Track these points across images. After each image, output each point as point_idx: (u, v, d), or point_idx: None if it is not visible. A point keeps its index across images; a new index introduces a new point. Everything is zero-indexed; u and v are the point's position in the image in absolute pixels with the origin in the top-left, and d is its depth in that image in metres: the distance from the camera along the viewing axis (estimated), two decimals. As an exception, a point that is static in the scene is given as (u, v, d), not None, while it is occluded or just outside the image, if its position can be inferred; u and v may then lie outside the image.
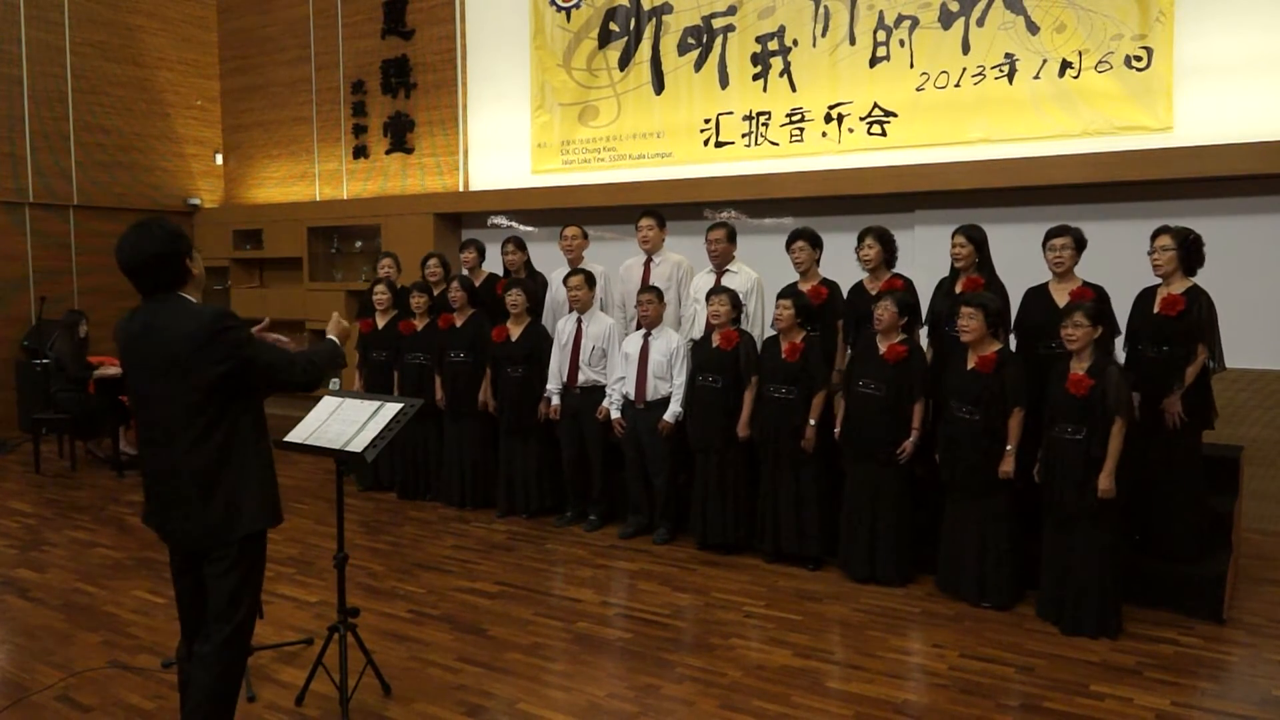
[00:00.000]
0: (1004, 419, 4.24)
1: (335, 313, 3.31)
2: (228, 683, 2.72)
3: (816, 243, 5.21)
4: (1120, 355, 4.47)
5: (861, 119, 6.72)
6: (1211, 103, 5.59)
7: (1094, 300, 4.22)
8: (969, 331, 4.29)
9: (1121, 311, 4.51)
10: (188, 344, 2.56)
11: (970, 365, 4.33)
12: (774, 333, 5.06)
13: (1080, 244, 4.52)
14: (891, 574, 4.62)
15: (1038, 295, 4.62)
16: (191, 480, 2.61)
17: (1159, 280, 4.40)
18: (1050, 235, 4.55)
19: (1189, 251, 4.28)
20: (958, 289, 4.74)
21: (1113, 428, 3.91)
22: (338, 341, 3.09)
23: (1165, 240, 4.30)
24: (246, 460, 2.66)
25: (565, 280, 5.74)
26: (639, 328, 5.49)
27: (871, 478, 4.63)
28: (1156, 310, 4.35)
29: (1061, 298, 4.46)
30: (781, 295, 4.96)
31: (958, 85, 6.35)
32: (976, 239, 4.74)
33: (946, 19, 6.36)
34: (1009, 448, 4.23)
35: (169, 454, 2.63)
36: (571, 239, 6.05)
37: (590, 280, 5.68)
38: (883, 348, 4.61)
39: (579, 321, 5.67)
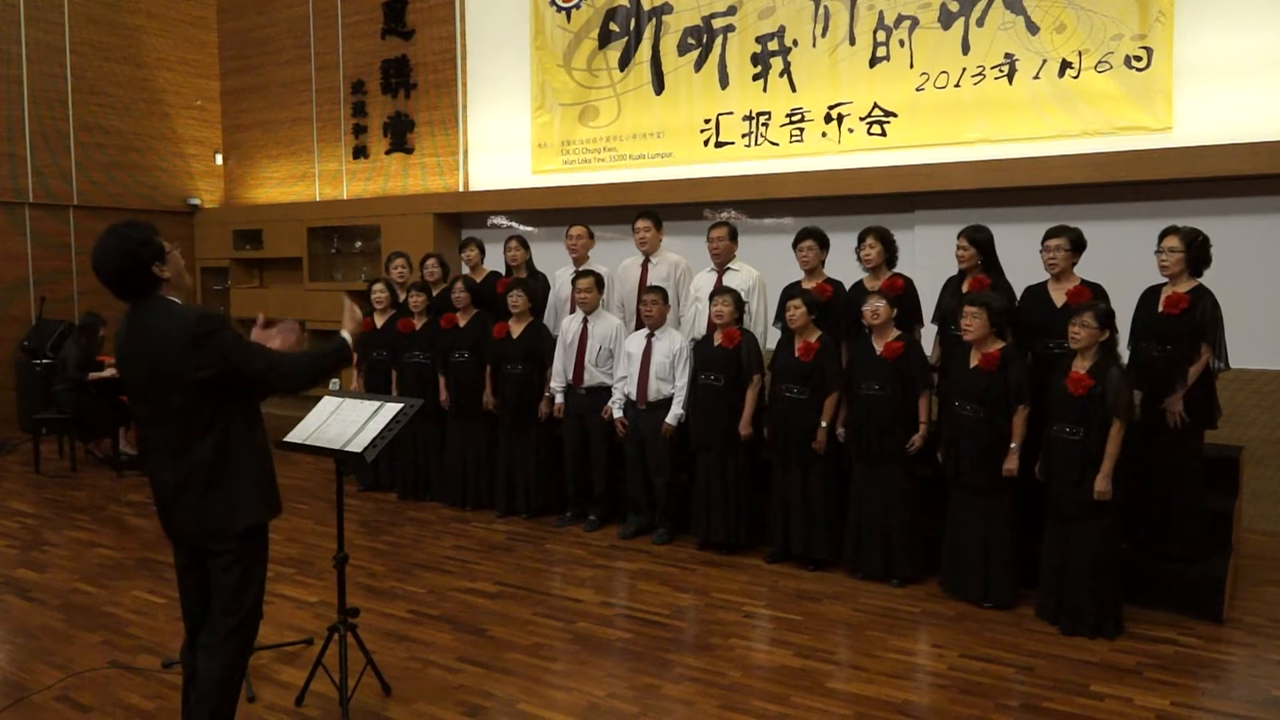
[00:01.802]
0: (1007, 417, 4.24)
1: (349, 301, 3.11)
2: (232, 674, 2.73)
3: (825, 243, 5.19)
4: (1124, 355, 4.46)
5: (861, 119, 6.72)
6: (1211, 103, 5.58)
7: (1100, 302, 4.21)
8: (971, 331, 4.29)
9: (1121, 311, 4.48)
10: (171, 350, 2.56)
11: (973, 363, 4.33)
12: (778, 331, 5.06)
13: (1077, 245, 4.50)
14: (904, 573, 4.62)
15: (1036, 294, 4.62)
16: (190, 480, 2.64)
17: (1164, 280, 4.39)
18: (1046, 236, 4.55)
19: (1196, 253, 4.28)
20: (964, 289, 4.74)
21: (1110, 429, 3.91)
22: (349, 339, 2.96)
23: (1173, 241, 4.29)
24: (241, 457, 2.68)
25: (574, 281, 5.73)
26: (640, 327, 5.49)
27: (880, 477, 4.63)
28: (1160, 309, 4.34)
29: (1059, 297, 4.46)
30: (790, 295, 4.95)
31: (958, 85, 6.35)
32: (979, 240, 4.73)
33: (946, 19, 6.36)
34: (1013, 445, 4.23)
35: (166, 456, 2.66)
36: (577, 238, 6.05)
37: (600, 283, 5.68)
38: (879, 346, 4.62)
39: (584, 321, 5.66)
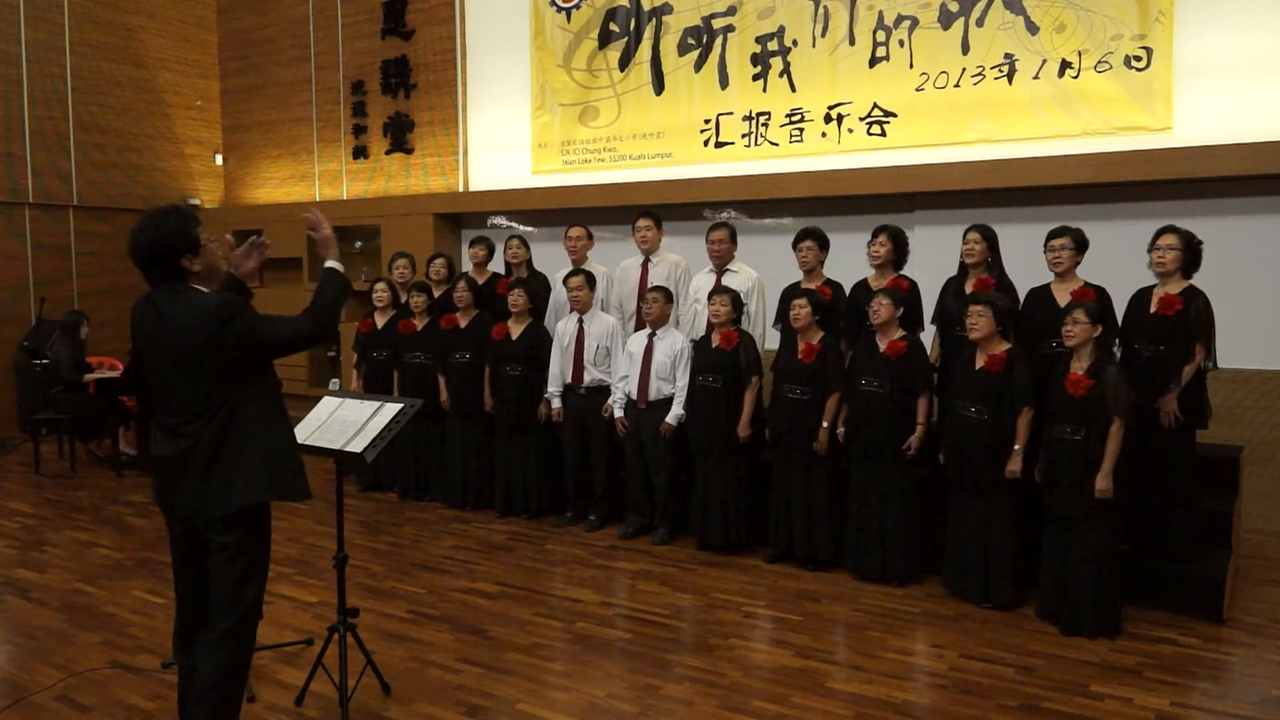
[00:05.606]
0: (1011, 418, 4.24)
1: (313, 215, 2.98)
2: (233, 672, 2.73)
3: (824, 243, 5.20)
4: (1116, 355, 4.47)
5: (861, 119, 6.71)
6: (1211, 103, 5.58)
7: (1096, 300, 4.23)
8: (977, 330, 4.29)
9: (1119, 311, 4.51)
10: (194, 337, 2.62)
11: (979, 364, 4.33)
12: (777, 332, 5.06)
13: (1080, 245, 4.53)
14: (899, 573, 4.62)
15: (1039, 295, 4.63)
16: (195, 457, 2.66)
17: (1155, 281, 4.41)
18: (1050, 236, 4.58)
19: (1192, 254, 4.29)
20: (968, 288, 4.74)
21: (1110, 428, 3.91)
22: (337, 266, 2.93)
23: (1172, 239, 4.30)
24: (248, 436, 2.69)
25: (565, 280, 5.74)
26: (639, 327, 5.49)
27: (877, 476, 4.64)
28: (1154, 310, 4.35)
29: (1063, 298, 4.46)
30: (794, 295, 4.95)
31: (957, 85, 6.35)
32: (990, 237, 4.76)
33: (946, 19, 6.36)
34: (1016, 447, 4.22)
35: (170, 435, 2.70)
36: (576, 239, 6.04)
37: (591, 281, 5.67)
38: (882, 344, 4.62)
39: (580, 322, 5.66)
